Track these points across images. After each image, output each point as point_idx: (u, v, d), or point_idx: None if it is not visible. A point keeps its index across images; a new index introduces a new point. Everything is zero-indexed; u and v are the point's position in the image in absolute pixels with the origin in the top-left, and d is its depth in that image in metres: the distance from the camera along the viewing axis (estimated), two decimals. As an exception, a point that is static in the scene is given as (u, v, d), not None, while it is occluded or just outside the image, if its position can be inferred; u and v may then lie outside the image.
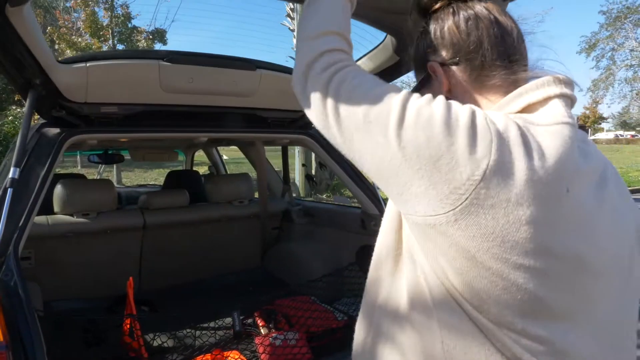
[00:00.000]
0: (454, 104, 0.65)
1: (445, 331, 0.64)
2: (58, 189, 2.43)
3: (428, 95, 0.66)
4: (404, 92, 0.67)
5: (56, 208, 2.44)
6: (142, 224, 2.63)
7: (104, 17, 12.94)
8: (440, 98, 0.65)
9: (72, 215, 2.44)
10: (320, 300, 2.37)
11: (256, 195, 3.23)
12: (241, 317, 2.06)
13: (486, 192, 0.58)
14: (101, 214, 2.51)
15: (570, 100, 0.69)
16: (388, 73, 1.83)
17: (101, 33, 12.47)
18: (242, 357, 1.96)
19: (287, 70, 2.11)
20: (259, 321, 2.17)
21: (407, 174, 0.62)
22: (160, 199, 2.74)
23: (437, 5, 0.79)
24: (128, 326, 2.06)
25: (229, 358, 1.94)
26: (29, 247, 2.36)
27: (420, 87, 0.81)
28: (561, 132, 0.63)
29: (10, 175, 1.55)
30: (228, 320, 2.12)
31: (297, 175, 10.75)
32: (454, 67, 0.76)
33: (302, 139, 2.42)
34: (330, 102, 0.69)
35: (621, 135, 51.29)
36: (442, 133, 0.60)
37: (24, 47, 1.41)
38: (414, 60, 0.85)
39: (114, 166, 13.44)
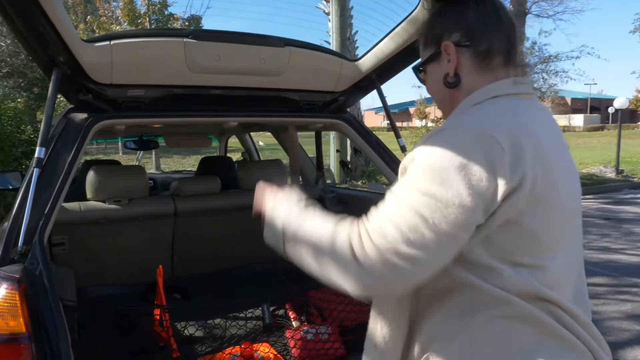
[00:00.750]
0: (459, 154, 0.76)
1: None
2: (90, 176, 2.42)
3: (438, 179, 0.76)
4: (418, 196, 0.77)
5: (88, 194, 2.44)
6: (174, 211, 2.60)
7: (141, 5, 13.15)
8: (451, 170, 0.76)
9: (104, 201, 2.43)
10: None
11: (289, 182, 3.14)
12: (272, 309, 1.99)
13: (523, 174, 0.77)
14: (133, 200, 2.49)
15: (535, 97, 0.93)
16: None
17: (139, 21, 12.67)
18: (272, 350, 1.90)
19: (317, 48, 2.00)
20: (290, 313, 2.10)
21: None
22: (191, 185, 2.69)
23: None
24: (158, 315, 2.03)
25: (259, 351, 1.88)
26: (62, 233, 2.37)
27: (429, 62, 0.94)
28: (548, 116, 0.90)
29: (35, 155, 1.52)
30: (259, 311, 2.05)
31: (332, 161, 10.64)
32: (464, 48, 0.89)
33: (336, 123, 2.30)
34: (390, 252, 0.74)
35: (676, 119, 48.30)
36: (480, 184, 0.75)
37: (46, 19, 1.35)
38: (425, 35, 0.96)
39: (153, 152, 13.75)
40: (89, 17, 13.45)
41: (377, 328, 0.93)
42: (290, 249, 0.88)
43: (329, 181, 3.28)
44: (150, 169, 13.59)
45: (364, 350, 0.98)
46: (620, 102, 13.19)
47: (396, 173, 2.19)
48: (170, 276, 2.74)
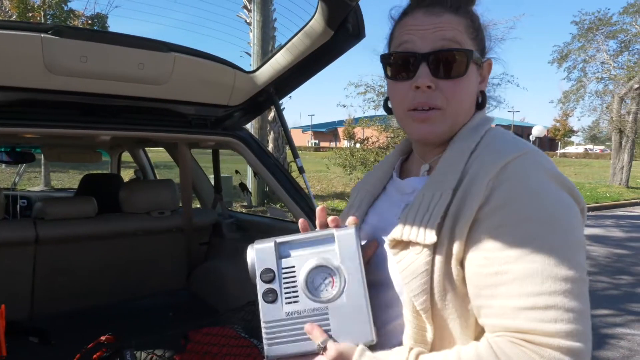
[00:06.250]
0: None
1: None
2: None
3: None
4: None
5: None
6: (34, 237, 2.34)
7: (36, -4, 12.31)
8: None
9: None
10: (246, 331, 2.15)
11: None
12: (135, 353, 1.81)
13: None
14: None
15: None
16: (323, 53, 1.75)
17: (30, 15, 11.83)
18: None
19: (207, 56, 1.90)
20: None
21: None
22: (58, 207, 2.44)
23: None
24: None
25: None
26: None
27: (474, 62, 0.83)
28: None
29: None
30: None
31: (249, 182, 10.46)
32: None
33: (229, 141, 2.20)
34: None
35: (591, 149, 53.63)
36: None
37: None
38: (476, 33, 0.84)
39: (42, 166, 12.73)
40: (-32, 6, 12.35)
41: None
42: None
43: (244, 204, 3.16)
44: (39, 185, 12.56)
45: None
46: (538, 130, 14.39)
47: (293, 197, 2.14)
48: (29, 315, 2.46)
